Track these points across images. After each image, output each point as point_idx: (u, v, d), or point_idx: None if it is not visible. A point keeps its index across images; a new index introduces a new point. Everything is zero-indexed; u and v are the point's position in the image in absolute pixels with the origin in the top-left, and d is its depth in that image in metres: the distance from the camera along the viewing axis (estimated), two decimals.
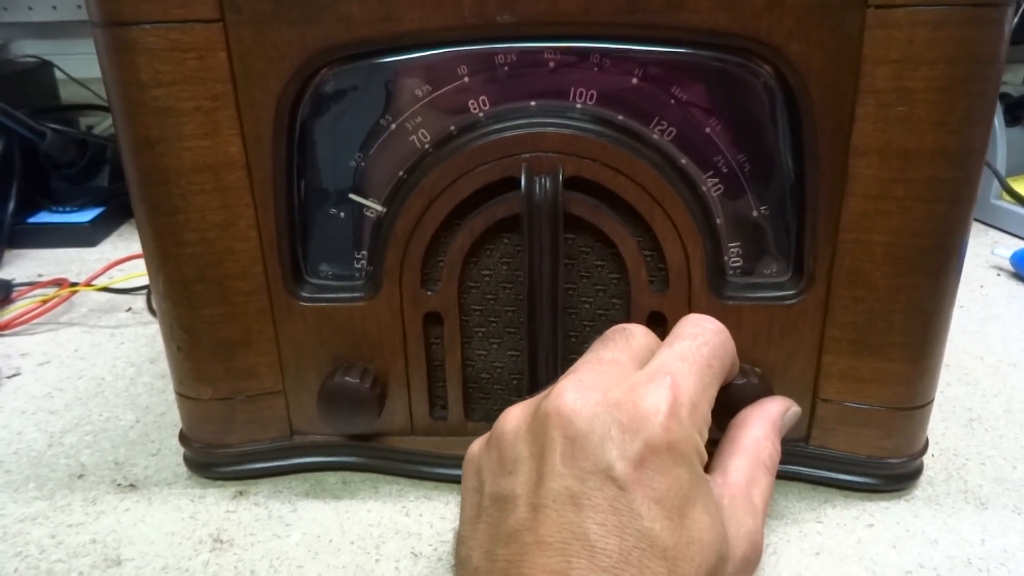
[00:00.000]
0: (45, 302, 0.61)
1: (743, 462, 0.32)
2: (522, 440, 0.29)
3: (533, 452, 0.28)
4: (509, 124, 0.35)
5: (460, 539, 0.30)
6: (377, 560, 0.36)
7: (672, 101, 0.35)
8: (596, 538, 0.25)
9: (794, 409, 0.36)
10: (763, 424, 0.34)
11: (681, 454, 0.27)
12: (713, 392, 0.31)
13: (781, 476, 0.40)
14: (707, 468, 0.31)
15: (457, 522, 0.38)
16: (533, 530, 0.26)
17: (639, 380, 0.29)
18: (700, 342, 0.31)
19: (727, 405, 0.35)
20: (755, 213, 0.37)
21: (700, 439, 0.29)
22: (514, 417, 0.30)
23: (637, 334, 0.32)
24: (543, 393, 0.31)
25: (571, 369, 0.31)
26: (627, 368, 0.30)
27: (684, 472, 0.27)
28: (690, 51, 0.34)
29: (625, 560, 0.25)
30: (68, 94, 0.93)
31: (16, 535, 0.38)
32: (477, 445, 0.32)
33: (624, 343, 0.32)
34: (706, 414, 0.30)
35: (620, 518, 0.26)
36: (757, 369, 0.37)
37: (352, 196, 0.37)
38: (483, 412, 0.41)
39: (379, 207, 0.37)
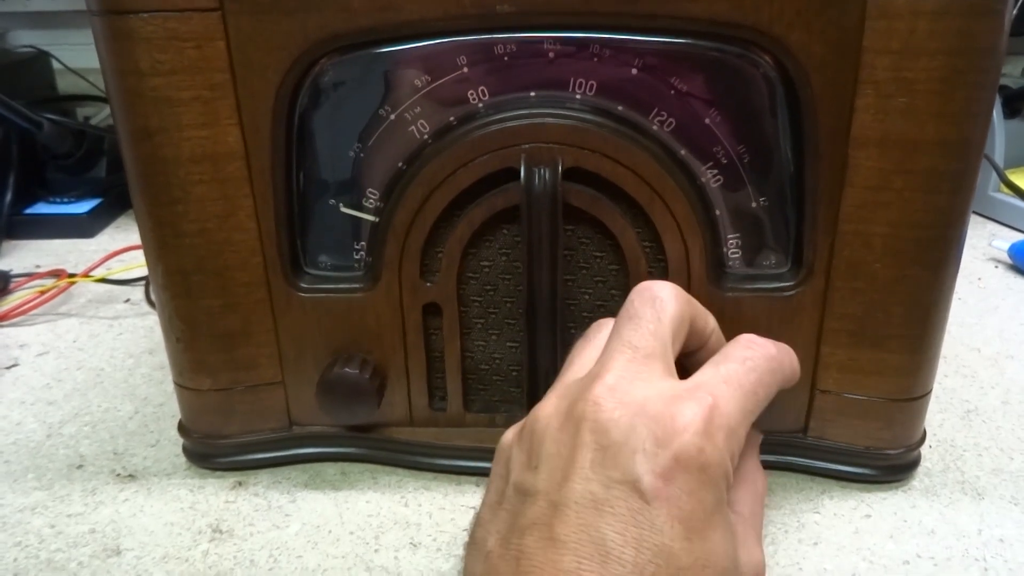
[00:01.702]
0: (43, 293, 0.61)
1: (746, 493, 0.32)
2: (551, 438, 0.28)
3: (562, 452, 0.28)
4: (508, 115, 0.35)
5: (479, 520, 0.30)
6: (376, 550, 0.36)
7: (672, 92, 0.35)
8: (612, 545, 0.25)
9: (761, 437, 0.36)
10: (753, 455, 0.34)
11: (710, 477, 0.27)
12: (752, 420, 0.30)
13: (779, 467, 0.40)
14: None
15: (457, 513, 0.38)
16: (550, 526, 0.26)
17: (679, 393, 0.28)
18: (748, 367, 0.30)
19: None
20: (754, 204, 0.37)
21: (731, 465, 0.28)
22: (546, 414, 0.29)
23: (667, 303, 0.30)
24: (569, 380, 0.30)
25: (604, 359, 0.30)
26: (664, 360, 0.30)
27: (709, 495, 0.27)
28: (690, 41, 0.34)
29: (639, 572, 0.25)
30: (65, 84, 0.93)
31: (16, 525, 0.38)
32: (511, 433, 0.31)
33: (656, 323, 0.30)
34: (741, 440, 0.29)
35: (640, 531, 0.26)
36: None
37: (344, 210, 0.37)
38: (482, 403, 0.41)
39: (371, 217, 0.37)
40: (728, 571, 0.27)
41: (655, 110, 0.35)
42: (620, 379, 0.28)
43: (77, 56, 0.91)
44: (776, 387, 0.31)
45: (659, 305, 0.31)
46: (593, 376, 0.29)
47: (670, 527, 0.26)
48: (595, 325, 0.34)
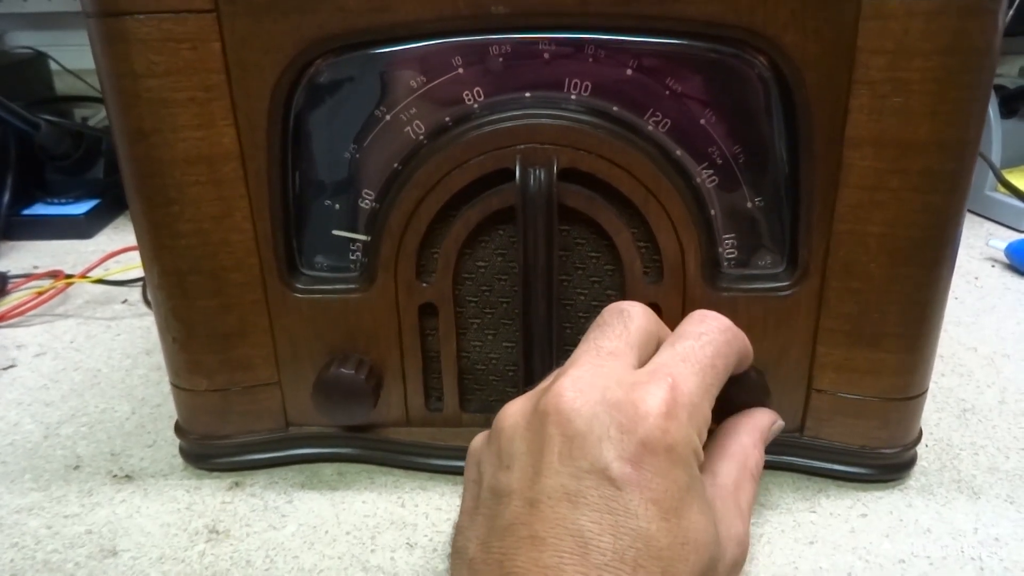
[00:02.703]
0: (41, 294, 0.61)
1: (732, 467, 0.32)
2: (520, 436, 0.29)
3: (531, 448, 0.28)
4: (504, 115, 0.35)
5: (458, 529, 0.30)
6: (373, 551, 0.36)
7: (667, 92, 0.35)
8: (590, 536, 0.25)
9: (779, 423, 0.36)
10: (752, 433, 0.34)
11: (679, 456, 0.27)
12: (715, 393, 0.30)
13: (776, 466, 0.41)
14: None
15: (453, 513, 0.38)
16: (528, 525, 0.26)
17: (639, 379, 0.29)
18: (704, 341, 0.31)
19: (721, 396, 0.35)
20: (750, 205, 0.37)
21: (698, 441, 0.29)
22: (513, 413, 0.30)
23: (635, 316, 0.32)
24: (542, 386, 0.30)
25: (570, 361, 0.31)
26: (627, 360, 0.30)
27: (682, 473, 0.27)
28: (685, 42, 0.34)
29: (619, 559, 0.25)
30: (63, 86, 0.93)
31: (12, 526, 0.38)
32: (480, 438, 0.32)
33: (622, 329, 0.31)
34: (706, 415, 0.29)
35: (616, 517, 0.26)
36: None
37: (336, 232, 0.38)
38: (478, 403, 0.41)
39: (363, 237, 0.38)
40: (708, 546, 0.27)
41: (650, 111, 0.35)
42: (583, 372, 0.29)
43: (75, 57, 0.91)
44: (735, 358, 0.32)
45: (626, 316, 0.32)
46: (558, 374, 0.30)
47: (644, 510, 0.26)
48: None
